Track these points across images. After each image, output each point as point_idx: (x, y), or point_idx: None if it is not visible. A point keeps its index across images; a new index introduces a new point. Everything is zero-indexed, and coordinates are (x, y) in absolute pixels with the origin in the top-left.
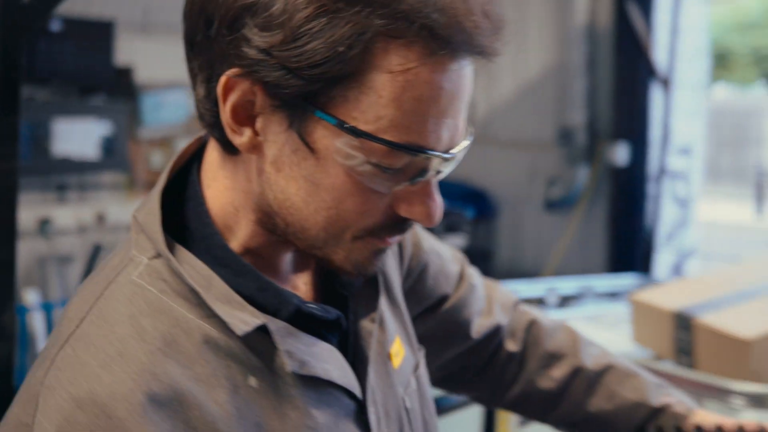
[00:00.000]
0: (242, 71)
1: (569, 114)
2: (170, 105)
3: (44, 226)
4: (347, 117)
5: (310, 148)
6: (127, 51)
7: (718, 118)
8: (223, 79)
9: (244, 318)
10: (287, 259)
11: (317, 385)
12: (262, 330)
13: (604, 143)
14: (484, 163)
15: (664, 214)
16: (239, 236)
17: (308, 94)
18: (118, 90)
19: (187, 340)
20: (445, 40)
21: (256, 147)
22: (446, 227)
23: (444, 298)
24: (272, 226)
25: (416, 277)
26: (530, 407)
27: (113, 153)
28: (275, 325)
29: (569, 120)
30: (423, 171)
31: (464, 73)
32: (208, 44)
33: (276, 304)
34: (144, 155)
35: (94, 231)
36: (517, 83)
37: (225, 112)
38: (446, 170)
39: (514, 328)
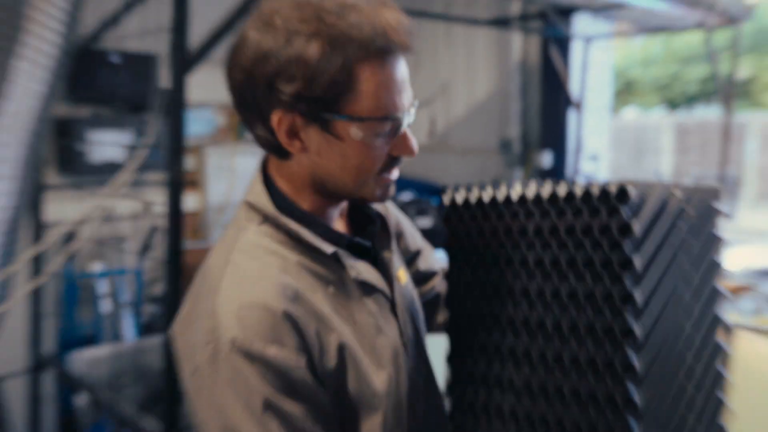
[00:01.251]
0: (284, 110)
1: (508, 129)
2: (200, 120)
3: (101, 213)
4: (352, 112)
5: (338, 138)
6: (168, 78)
7: (627, 134)
8: (275, 119)
9: (326, 247)
10: (334, 213)
11: (366, 288)
12: (332, 257)
13: (533, 151)
14: (443, 166)
15: None
16: (305, 204)
17: (326, 107)
18: (161, 108)
19: (292, 268)
20: (387, 51)
21: (303, 150)
22: (417, 212)
23: (418, 252)
24: (324, 189)
25: (399, 237)
26: (431, 321)
27: (157, 157)
28: (341, 251)
29: (508, 133)
30: (399, 126)
31: (402, 65)
32: (256, 101)
33: (336, 239)
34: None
35: (143, 218)
36: (468, 105)
37: (281, 136)
38: (410, 121)
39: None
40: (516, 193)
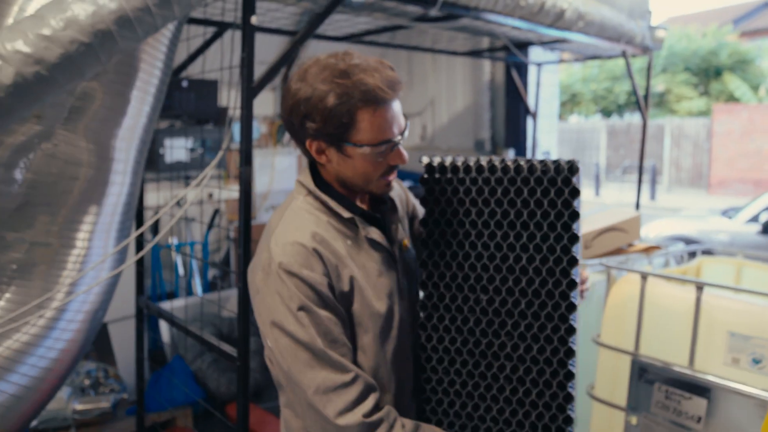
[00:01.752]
0: (312, 139)
1: (481, 132)
2: None
3: (180, 200)
4: (357, 141)
5: (349, 156)
6: (225, 98)
7: (571, 135)
8: (307, 143)
9: (345, 213)
10: (357, 195)
11: (374, 244)
12: (350, 220)
13: (501, 149)
14: None
15: None
16: (337, 188)
17: (339, 138)
18: (220, 121)
19: (323, 224)
20: (381, 100)
21: (329, 162)
22: (414, 195)
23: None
24: (345, 185)
25: (412, 217)
26: None
27: (213, 158)
28: (357, 216)
29: (481, 135)
30: (394, 146)
31: (394, 105)
32: (295, 132)
33: (354, 209)
34: (234, 159)
35: (206, 203)
36: (450, 115)
37: (313, 154)
38: (403, 140)
39: None
40: (485, 161)
